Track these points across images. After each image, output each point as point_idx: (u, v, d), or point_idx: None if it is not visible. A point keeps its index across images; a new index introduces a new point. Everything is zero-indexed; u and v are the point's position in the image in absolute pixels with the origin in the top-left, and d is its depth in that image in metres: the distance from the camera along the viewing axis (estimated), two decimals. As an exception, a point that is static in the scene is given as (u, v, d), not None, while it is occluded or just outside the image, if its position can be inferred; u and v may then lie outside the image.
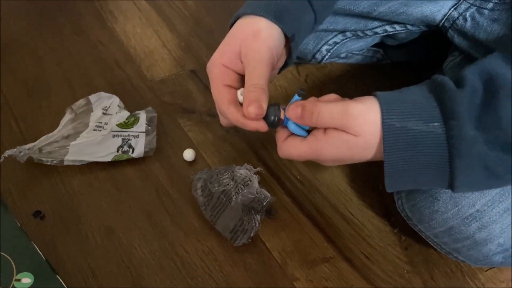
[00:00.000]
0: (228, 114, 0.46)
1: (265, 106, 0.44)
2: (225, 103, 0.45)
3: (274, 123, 0.44)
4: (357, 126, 0.39)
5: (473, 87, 0.37)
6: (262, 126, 0.44)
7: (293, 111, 0.42)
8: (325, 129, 0.42)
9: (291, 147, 0.43)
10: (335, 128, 0.41)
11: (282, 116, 0.44)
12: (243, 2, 0.50)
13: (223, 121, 0.50)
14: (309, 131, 0.44)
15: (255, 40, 0.45)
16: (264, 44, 0.45)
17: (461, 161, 0.37)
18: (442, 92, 0.38)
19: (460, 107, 0.37)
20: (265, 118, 0.44)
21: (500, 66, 0.38)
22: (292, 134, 0.45)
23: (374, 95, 0.41)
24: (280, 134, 0.45)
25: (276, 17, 0.45)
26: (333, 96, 0.44)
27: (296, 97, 0.45)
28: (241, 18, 0.47)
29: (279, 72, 0.51)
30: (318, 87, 0.74)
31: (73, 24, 0.79)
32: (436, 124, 0.37)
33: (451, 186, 0.39)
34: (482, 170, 0.38)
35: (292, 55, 0.49)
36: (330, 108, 0.40)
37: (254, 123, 0.44)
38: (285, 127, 0.45)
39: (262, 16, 0.45)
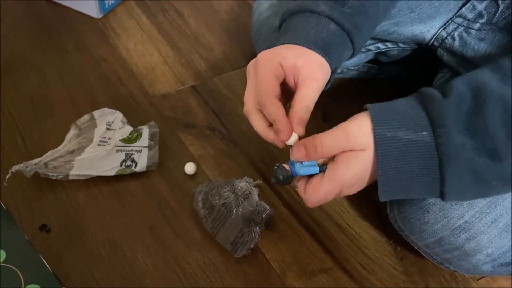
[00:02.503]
0: (269, 106, 0.45)
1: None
2: (272, 95, 0.45)
3: (287, 179, 0.44)
4: (360, 140, 0.40)
5: (460, 95, 0.39)
6: (280, 141, 0.45)
7: (298, 152, 0.43)
8: (334, 157, 0.42)
9: (315, 193, 0.43)
10: (343, 152, 0.42)
11: (288, 167, 0.45)
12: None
13: (248, 108, 0.48)
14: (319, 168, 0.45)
15: (320, 70, 0.47)
16: (323, 75, 0.47)
17: (450, 167, 0.38)
18: (429, 101, 0.39)
19: (446, 115, 0.38)
20: (275, 179, 0.45)
21: (488, 75, 0.40)
22: (309, 180, 0.45)
23: (365, 109, 0.43)
24: (300, 188, 0.45)
25: (324, 51, 0.47)
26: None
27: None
28: (302, 48, 0.48)
29: None
30: (315, 102, 0.76)
31: (76, 41, 0.81)
32: (425, 133, 0.39)
33: (442, 194, 0.40)
34: (471, 176, 0.39)
35: (328, 84, 0.51)
36: (330, 136, 0.42)
37: (285, 127, 0.44)
38: (299, 177, 0.45)
39: (312, 49, 0.47)
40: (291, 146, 0.45)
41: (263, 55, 0.47)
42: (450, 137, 0.38)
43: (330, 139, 0.42)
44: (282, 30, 0.52)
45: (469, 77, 0.40)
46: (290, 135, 0.45)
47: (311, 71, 0.46)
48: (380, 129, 0.40)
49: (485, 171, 0.38)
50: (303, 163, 0.44)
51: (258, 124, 0.47)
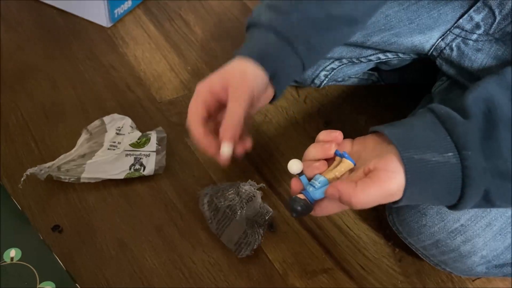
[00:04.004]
0: (192, 131, 0.49)
1: (231, 145, 0.47)
2: (194, 121, 0.49)
3: (309, 208, 0.43)
4: (400, 191, 0.40)
5: (477, 118, 0.39)
6: (220, 159, 0.48)
7: (332, 195, 0.41)
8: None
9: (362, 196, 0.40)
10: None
11: (303, 196, 0.43)
12: (245, 30, 0.53)
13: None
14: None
15: (242, 79, 0.48)
16: (246, 83, 0.48)
17: (471, 189, 0.39)
18: (452, 124, 0.39)
19: (470, 138, 0.38)
20: (296, 212, 0.43)
21: (498, 94, 0.40)
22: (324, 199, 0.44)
23: (373, 132, 0.42)
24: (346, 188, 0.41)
25: (259, 58, 0.49)
26: (347, 142, 0.45)
27: (346, 156, 0.44)
28: (236, 57, 0.51)
29: (270, 103, 0.54)
30: (316, 107, 0.78)
31: (86, 50, 0.83)
32: (450, 154, 0.39)
33: (453, 206, 0.41)
34: (482, 194, 0.40)
35: (277, 92, 0.53)
36: (369, 195, 0.39)
37: (204, 145, 0.48)
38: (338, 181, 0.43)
39: (249, 57, 0.50)
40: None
41: (198, 85, 0.50)
42: (476, 160, 0.38)
43: (367, 201, 0.40)
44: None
45: (479, 98, 0.40)
46: (215, 152, 0.48)
47: (233, 84, 0.48)
48: (406, 153, 0.39)
49: (495, 192, 0.39)
50: (314, 186, 0.43)
51: (197, 136, 0.49)
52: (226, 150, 0.47)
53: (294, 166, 0.44)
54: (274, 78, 0.51)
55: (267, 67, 0.50)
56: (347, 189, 0.39)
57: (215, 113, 0.51)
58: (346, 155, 0.43)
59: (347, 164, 0.43)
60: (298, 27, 0.51)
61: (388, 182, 0.39)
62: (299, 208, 0.43)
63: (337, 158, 0.44)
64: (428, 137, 0.40)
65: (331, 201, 0.44)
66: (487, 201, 0.40)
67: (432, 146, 0.39)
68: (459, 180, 0.39)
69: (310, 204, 0.43)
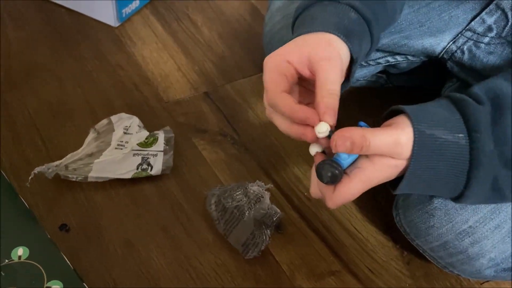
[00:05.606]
0: (279, 102, 0.42)
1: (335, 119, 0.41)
2: (278, 91, 0.42)
3: (342, 174, 0.40)
4: (407, 152, 0.39)
5: (487, 103, 0.39)
6: (308, 133, 0.41)
7: (343, 145, 0.39)
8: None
9: (344, 194, 0.41)
10: (382, 155, 0.40)
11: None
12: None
13: (268, 112, 0.45)
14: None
15: (329, 47, 0.43)
16: (336, 52, 0.43)
17: (478, 173, 0.39)
18: (465, 106, 0.39)
19: (482, 121, 0.38)
20: (329, 178, 0.40)
21: (505, 85, 0.40)
22: None
23: (400, 110, 0.41)
24: (326, 188, 0.42)
25: (346, 36, 0.44)
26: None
27: (363, 125, 0.42)
28: (306, 35, 0.44)
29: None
30: (324, 109, 0.78)
31: (93, 49, 0.83)
32: (461, 135, 0.39)
33: (458, 197, 0.41)
34: (490, 183, 0.39)
35: (350, 79, 0.47)
36: (380, 140, 0.39)
37: (304, 114, 0.40)
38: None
39: (332, 33, 0.43)
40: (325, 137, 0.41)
41: (267, 58, 0.44)
42: (484, 143, 0.38)
43: (379, 144, 0.39)
44: (296, 26, 0.48)
45: (487, 87, 0.41)
46: (316, 121, 0.40)
47: (321, 55, 0.42)
48: (419, 125, 0.39)
49: (503, 179, 0.39)
50: (342, 154, 0.40)
51: (282, 123, 0.43)
52: (324, 130, 0.40)
53: (323, 128, 0.41)
54: (356, 61, 0.46)
55: (353, 45, 0.44)
56: (358, 131, 0.38)
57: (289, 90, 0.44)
58: (363, 124, 0.42)
59: None
60: (375, 10, 0.47)
61: (400, 131, 0.39)
62: (336, 171, 0.40)
63: None
64: (442, 116, 0.40)
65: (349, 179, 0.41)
66: (497, 191, 0.40)
67: (445, 124, 0.39)
68: (466, 162, 0.39)
69: (342, 171, 0.41)
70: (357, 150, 0.39)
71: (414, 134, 0.39)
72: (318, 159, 0.42)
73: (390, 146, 0.39)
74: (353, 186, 0.41)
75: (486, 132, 0.38)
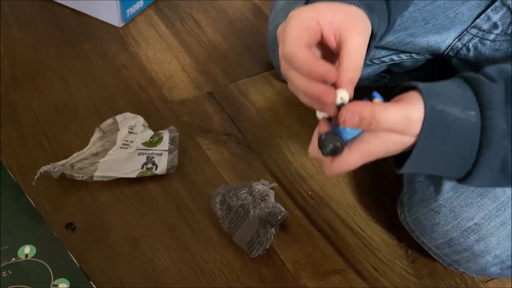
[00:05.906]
0: (300, 53, 0.38)
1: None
2: (301, 43, 0.39)
3: (343, 146, 0.39)
4: (417, 129, 0.38)
5: (500, 82, 0.38)
6: (330, 93, 0.38)
7: (351, 120, 0.37)
8: None
9: (342, 165, 0.40)
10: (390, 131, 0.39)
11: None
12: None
13: (284, 68, 0.41)
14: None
15: (362, 22, 0.41)
16: (367, 28, 0.41)
17: (488, 152, 0.37)
18: (478, 83, 0.38)
19: (497, 99, 0.37)
20: (330, 150, 0.39)
21: None
22: None
23: (412, 87, 0.39)
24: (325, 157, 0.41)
25: (370, 12, 0.42)
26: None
27: (377, 96, 0.40)
28: (337, 3, 0.41)
29: None
30: (327, 109, 0.78)
31: (98, 50, 0.84)
32: (472, 112, 0.37)
33: (466, 177, 0.40)
34: (499, 164, 0.38)
35: (368, 54, 0.43)
36: (390, 116, 0.37)
37: (325, 68, 0.38)
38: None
39: (361, 8, 0.41)
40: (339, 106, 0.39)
41: (294, 12, 0.40)
42: (497, 121, 0.37)
43: (389, 120, 0.37)
44: None
45: (499, 68, 0.40)
46: (335, 77, 0.38)
47: (354, 25, 0.40)
48: (430, 101, 0.37)
49: (510, 160, 0.38)
50: (345, 128, 0.39)
51: (299, 80, 0.39)
52: (344, 98, 0.39)
53: (344, 96, 0.39)
54: (375, 38, 0.43)
55: (373, 21, 0.42)
56: (367, 106, 0.37)
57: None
58: (377, 95, 0.40)
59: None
60: None
61: (411, 106, 0.37)
62: (338, 143, 0.39)
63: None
64: (454, 93, 0.39)
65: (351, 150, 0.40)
66: (505, 174, 0.38)
67: (456, 101, 0.38)
68: (476, 141, 0.38)
69: (344, 143, 0.39)
70: (365, 126, 0.37)
71: (425, 110, 0.37)
72: (323, 127, 0.41)
73: (400, 122, 0.37)
74: (352, 158, 0.39)
75: (500, 109, 0.37)
